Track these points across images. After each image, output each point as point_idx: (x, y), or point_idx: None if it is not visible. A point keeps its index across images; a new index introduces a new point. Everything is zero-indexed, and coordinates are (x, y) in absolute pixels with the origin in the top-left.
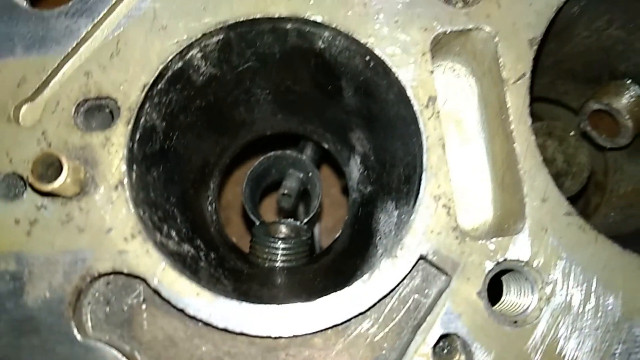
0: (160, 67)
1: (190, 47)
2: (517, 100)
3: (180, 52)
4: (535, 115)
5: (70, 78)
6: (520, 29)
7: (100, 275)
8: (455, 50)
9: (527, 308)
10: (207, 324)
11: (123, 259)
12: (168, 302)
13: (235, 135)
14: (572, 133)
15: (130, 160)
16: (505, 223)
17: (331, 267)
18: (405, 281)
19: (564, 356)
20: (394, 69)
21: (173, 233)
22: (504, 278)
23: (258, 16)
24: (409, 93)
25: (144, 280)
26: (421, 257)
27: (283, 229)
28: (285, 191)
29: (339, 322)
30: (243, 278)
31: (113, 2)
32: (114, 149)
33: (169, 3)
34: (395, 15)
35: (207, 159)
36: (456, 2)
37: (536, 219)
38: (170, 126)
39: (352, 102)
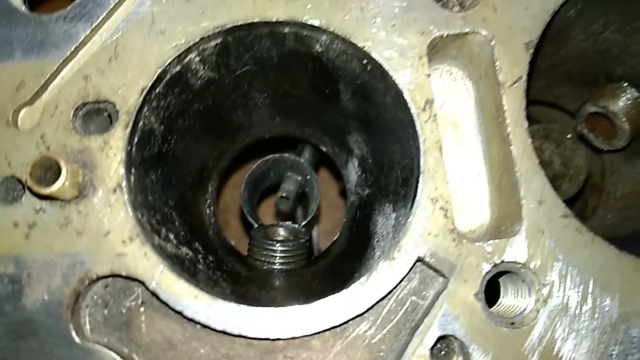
0: (159, 71)
1: (188, 51)
2: (513, 104)
3: (179, 56)
4: (532, 118)
5: (69, 82)
6: (517, 33)
7: (99, 278)
8: (452, 54)
9: (524, 310)
10: (205, 327)
11: (121, 261)
12: (166, 304)
13: (234, 139)
14: (569, 136)
15: (129, 163)
16: (502, 225)
17: (329, 269)
18: (402, 283)
19: (561, 357)
20: (391, 73)
21: (171, 236)
22: (501, 280)
23: (256, 20)
24: (406, 96)
25: (142, 283)
26: (418, 259)
27: (281, 232)
28: (284, 194)
29: (336, 324)
30: (241, 281)
31: (111, 7)
32: (112, 152)
33: (167, 7)
34: (392, 19)
35: (206, 162)
36: (453, 6)
37: (533, 221)
38: (169, 130)
39: (350, 106)
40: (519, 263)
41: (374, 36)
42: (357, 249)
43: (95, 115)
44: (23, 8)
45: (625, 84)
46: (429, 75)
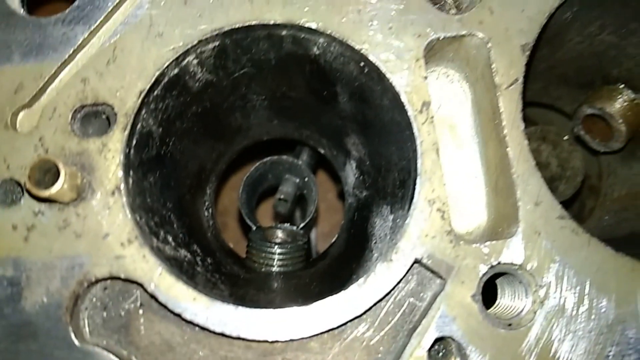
0: (157, 74)
1: (186, 53)
2: (509, 105)
3: (177, 58)
4: (529, 120)
5: (67, 84)
6: (513, 35)
7: (98, 281)
8: (448, 56)
9: (521, 311)
10: (204, 329)
11: (120, 264)
12: (165, 307)
13: (232, 141)
14: (565, 137)
15: (127, 166)
16: (499, 227)
17: (327, 271)
18: (400, 285)
19: (558, 358)
20: (388, 75)
21: (170, 238)
22: (498, 281)
23: (253, 23)
24: (403, 98)
25: (140, 285)
26: (416, 261)
27: (279, 234)
28: (282, 196)
29: (335, 326)
30: (240, 283)
31: (109, 10)
32: (110, 154)
33: (165, 10)
34: (389, 22)
35: (204, 165)
36: (449, 8)
37: (529, 223)
38: (167, 132)
39: (347, 108)
40: (516, 264)
41: (371, 39)
42: (355, 250)
43: (94, 117)
44: (21, 11)
45: (622, 86)
46: (425, 78)
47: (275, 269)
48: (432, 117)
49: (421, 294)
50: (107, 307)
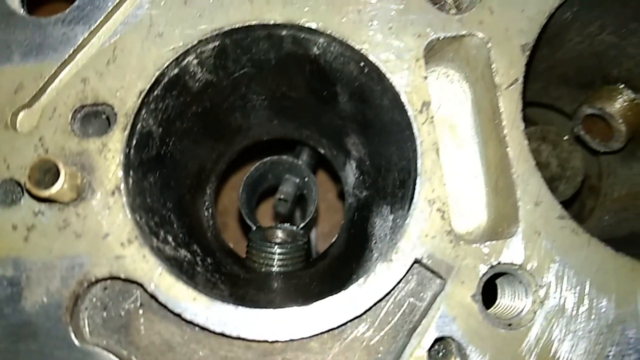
0: (157, 74)
1: (186, 53)
2: (509, 105)
3: (177, 58)
4: (529, 120)
5: (67, 85)
6: (513, 35)
7: (98, 281)
8: (448, 56)
9: (521, 311)
10: (204, 329)
11: (120, 264)
12: (165, 307)
13: (232, 141)
14: (565, 137)
15: (127, 166)
16: (499, 227)
17: (327, 271)
18: (400, 285)
19: (558, 358)
20: (388, 75)
21: (170, 238)
22: (498, 281)
23: (253, 23)
24: (403, 98)
25: (140, 285)
26: (416, 261)
27: (279, 234)
28: (282, 196)
29: (335, 326)
30: (240, 283)
31: (109, 10)
32: (110, 154)
33: (165, 10)
34: (389, 22)
35: (204, 165)
36: (449, 8)
37: (529, 223)
38: (167, 132)
39: (347, 108)
40: (516, 264)
41: (371, 39)
42: (355, 250)
43: (94, 117)
44: (21, 11)
45: (622, 86)
46: (425, 78)
47: (275, 269)
48: (432, 117)
49: (421, 294)
50: (107, 307)
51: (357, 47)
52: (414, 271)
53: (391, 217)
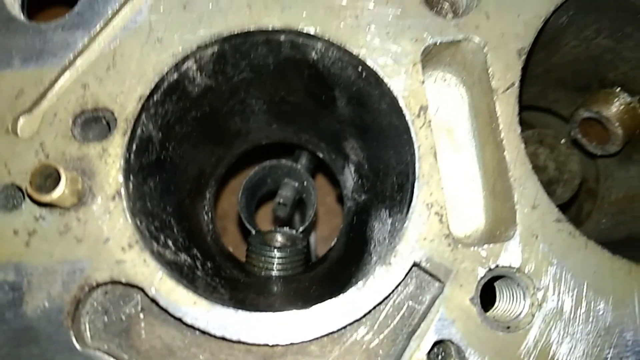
0: (156, 79)
1: (185, 59)
2: (506, 109)
3: (176, 64)
4: (526, 124)
5: (67, 90)
6: (509, 40)
7: (99, 285)
8: (445, 61)
9: (520, 314)
10: (204, 333)
11: (121, 268)
12: (165, 311)
13: (231, 145)
14: (563, 141)
15: (127, 170)
16: (497, 230)
17: (327, 275)
18: (399, 288)
19: None
20: (385, 79)
21: (170, 242)
22: (496, 284)
23: (252, 28)
24: (401, 103)
25: (141, 289)
26: (414, 264)
27: (279, 238)
28: (281, 200)
29: (334, 329)
30: (240, 287)
31: (109, 15)
32: (111, 159)
33: (165, 16)
34: (387, 27)
35: (203, 169)
36: (446, 13)
37: (527, 226)
38: (166, 137)
39: (346, 112)
40: (514, 267)
41: (369, 43)
42: (354, 254)
43: (94, 123)
44: (22, 17)
45: (618, 89)
46: (423, 82)
47: (274, 272)
48: (430, 121)
49: (420, 297)
50: (108, 311)
51: (354, 51)
52: (412, 274)
53: (390, 220)
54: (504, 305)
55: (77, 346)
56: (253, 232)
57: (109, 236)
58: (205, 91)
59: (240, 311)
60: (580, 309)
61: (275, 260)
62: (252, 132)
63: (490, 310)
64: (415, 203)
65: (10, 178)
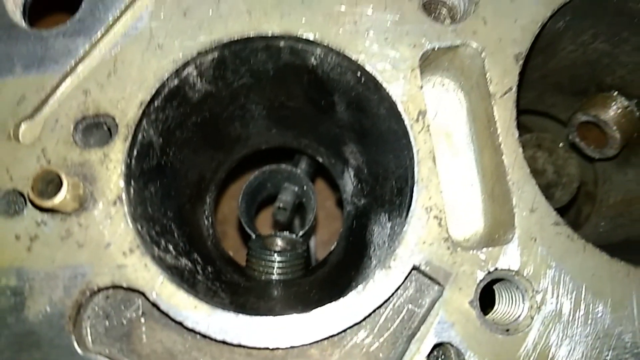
0: (157, 85)
1: (186, 65)
2: (504, 114)
3: (176, 70)
4: (524, 128)
5: (69, 96)
6: (506, 45)
7: (100, 290)
8: (443, 66)
9: (519, 316)
10: (205, 337)
11: (122, 273)
12: (166, 315)
13: (231, 150)
14: (561, 144)
15: (128, 176)
16: (496, 233)
17: (327, 279)
18: (399, 291)
19: None
20: (384, 85)
21: (170, 247)
22: (495, 287)
23: (252, 34)
24: (400, 107)
25: (142, 294)
26: (414, 268)
27: (279, 242)
28: (281, 205)
29: (334, 332)
30: (240, 291)
31: (110, 22)
32: (112, 165)
33: (165, 22)
34: (385, 33)
35: (203, 174)
36: (444, 19)
37: (525, 229)
38: (167, 142)
39: (345, 117)
40: (513, 270)
41: (368, 49)
42: (354, 258)
43: (95, 128)
44: (23, 24)
45: (615, 93)
46: (421, 87)
47: (275, 277)
48: (428, 126)
49: (420, 301)
50: (109, 315)
51: (353, 57)
52: (412, 278)
53: (389, 224)
54: (503, 308)
55: (79, 350)
56: (253, 236)
57: (110, 241)
58: (205, 97)
59: (240, 315)
60: (579, 311)
61: (276, 265)
62: (252, 137)
63: (490, 313)
64: (414, 207)
65: (12, 184)
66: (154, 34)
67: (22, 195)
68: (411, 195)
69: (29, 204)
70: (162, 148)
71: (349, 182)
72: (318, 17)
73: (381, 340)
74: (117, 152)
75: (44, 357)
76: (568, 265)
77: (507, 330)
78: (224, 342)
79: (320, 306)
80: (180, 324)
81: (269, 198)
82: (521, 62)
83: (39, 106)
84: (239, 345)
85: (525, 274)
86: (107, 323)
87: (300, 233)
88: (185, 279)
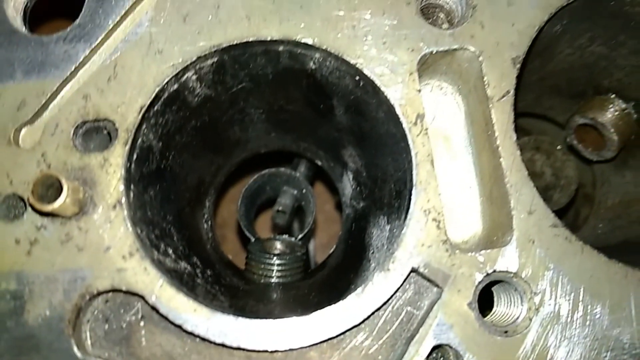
0: (157, 90)
1: (185, 69)
2: (502, 117)
3: (176, 74)
4: (522, 130)
5: (69, 101)
6: (504, 49)
7: (99, 293)
8: (441, 70)
9: (517, 318)
10: (204, 340)
11: (121, 276)
12: (166, 318)
13: (230, 154)
14: (559, 147)
15: (128, 180)
16: (494, 235)
17: (326, 281)
18: (397, 294)
19: None
20: (383, 88)
21: (170, 251)
22: (494, 289)
23: (251, 39)
24: (398, 111)
25: (142, 297)
26: (413, 270)
27: (278, 245)
28: (280, 208)
29: (333, 335)
30: (239, 294)
31: (110, 28)
32: (112, 169)
33: (165, 28)
34: (383, 37)
35: (203, 178)
36: (441, 23)
37: (523, 231)
38: (167, 146)
39: (344, 120)
40: (511, 272)
41: (366, 53)
42: (353, 261)
43: (95, 133)
44: (23, 29)
45: (613, 96)
46: (419, 91)
47: (274, 280)
48: (427, 129)
49: (418, 303)
50: (109, 319)
51: (352, 61)
52: (411, 280)
53: (388, 227)
54: (501, 309)
55: (78, 354)
56: (252, 239)
57: (110, 245)
58: (204, 101)
59: (240, 318)
60: (577, 313)
61: (275, 268)
62: (251, 141)
63: (488, 315)
64: (413, 210)
65: (12, 188)
66: (154, 39)
67: (22, 199)
68: (410, 198)
69: (29, 208)
70: (162, 152)
71: (347, 185)
72: (317, 22)
73: (380, 342)
74: (116, 157)
75: None
76: (566, 267)
77: (506, 331)
78: (223, 345)
79: (320, 309)
80: (179, 327)
81: (268, 201)
82: (518, 65)
83: (39, 111)
84: (238, 348)
85: (523, 276)
86: (106, 326)
87: (300, 236)
88: (184, 283)
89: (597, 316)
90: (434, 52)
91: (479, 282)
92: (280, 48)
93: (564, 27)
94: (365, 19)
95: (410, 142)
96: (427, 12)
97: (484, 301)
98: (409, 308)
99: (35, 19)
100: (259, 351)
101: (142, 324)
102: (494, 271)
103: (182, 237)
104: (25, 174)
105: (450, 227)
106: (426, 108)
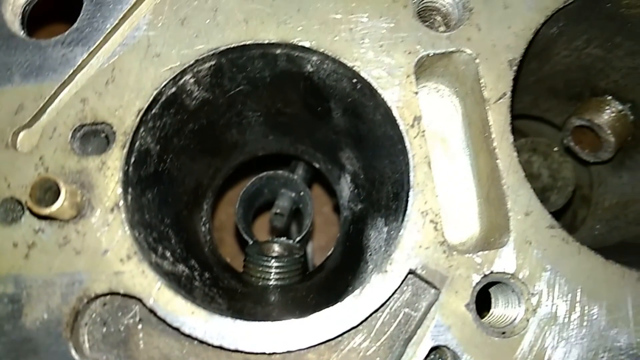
0: (154, 93)
1: (183, 73)
2: (498, 119)
3: (174, 78)
4: (519, 132)
5: (66, 105)
6: (500, 51)
7: (97, 296)
8: (438, 72)
9: (515, 319)
10: (202, 342)
11: (119, 279)
12: (164, 321)
13: (228, 157)
14: (556, 149)
15: (126, 183)
16: (491, 237)
17: (324, 283)
18: (395, 295)
19: None
20: (380, 91)
21: (168, 254)
22: (491, 290)
23: (248, 42)
24: (395, 113)
25: (139, 300)
26: (410, 272)
27: (276, 248)
28: (278, 210)
29: (331, 337)
30: (237, 297)
31: (108, 31)
32: (109, 172)
33: (163, 31)
34: (380, 40)
35: (201, 181)
36: (438, 26)
37: (520, 232)
38: (164, 149)
39: (341, 123)
40: (508, 273)
41: (363, 56)
42: (351, 263)
43: (93, 136)
44: (21, 33)
45: (609, 97)
46: (416, 93)
47: (272, 282)
48: (424, 131)
49: (416, 304)
50: (107, 322)
51: (349, 64)
52: (408, 282)
53: (385, 229)
54: (499, 311)
55: (76, 357)
56: (250, 242)
57: (108, 248)
58: (202, 104)
59: (238, 321)
60: (575, 313)
61: (273, 270)
62: (249, 144)
63: (486, 316)
64: (410, 211)
65: (10, 192)
66: (152, 42)
67: (20, 203)
68: (407, 200)
69: (26, 211)
70: (160, 155)
71: (345, 188)
72: (314, 25)
73: (378, 344)
74: (114, 160)
75: None
76: (563, 268)
77: (503, 333)
78: (221, 348)
79: (317, 311)
80: (177, 329)
81: (266, 204)
82: (515, 67)
83: (37, 115)
84: (236, 351)
85: (520, 277)
86: (104, 330)
87: (298, 239)
88: (182, 285)
89: (595, 317)
90: (430, 55)
91: (477, 284)
92: (278, 51)
93: (561, 29)
94: (362, 22)
95: (407, 144)
96: (424, 15)
97: (482, 302)
98: (406, 309)
99: (34, 22)
100: (257, 353)
101: (140, 326)
102: (492, 272)
103: (180, 239)
104: (23, 177)
105: (448, 228)
106: (423, 110)
